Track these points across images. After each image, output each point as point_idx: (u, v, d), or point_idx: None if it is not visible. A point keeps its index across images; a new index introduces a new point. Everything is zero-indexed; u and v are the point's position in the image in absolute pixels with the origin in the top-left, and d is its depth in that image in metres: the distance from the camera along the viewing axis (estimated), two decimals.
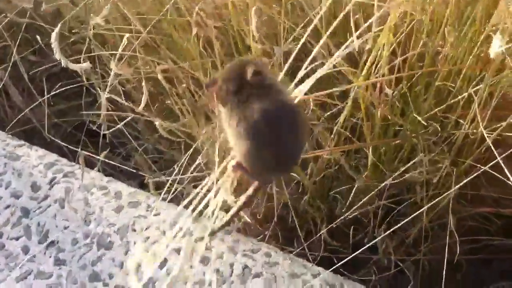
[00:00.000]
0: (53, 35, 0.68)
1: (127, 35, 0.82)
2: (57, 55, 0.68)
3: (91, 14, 1.02)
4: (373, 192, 0.84)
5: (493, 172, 0.71)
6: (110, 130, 0.98)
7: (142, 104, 0.74)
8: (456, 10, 0.92)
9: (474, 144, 0.84)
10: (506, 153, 0.70)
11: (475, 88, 0.84)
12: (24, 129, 1.29)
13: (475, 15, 0.89)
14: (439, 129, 0.85)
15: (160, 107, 1.04)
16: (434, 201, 0.82)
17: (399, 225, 0.77)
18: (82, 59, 0.87)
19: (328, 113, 0.90)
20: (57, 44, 0.68)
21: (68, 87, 1.13)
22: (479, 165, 0.78)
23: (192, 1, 0.90)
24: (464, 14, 0.92)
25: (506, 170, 0.71)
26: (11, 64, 1.22)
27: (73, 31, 1.06)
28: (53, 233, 0.97)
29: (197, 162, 0.89)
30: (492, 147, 0.73)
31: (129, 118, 0.87)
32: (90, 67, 0.75)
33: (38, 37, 1.08)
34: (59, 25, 0.72)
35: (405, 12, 0.83)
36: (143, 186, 1.12)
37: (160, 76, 0.84)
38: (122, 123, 0.99)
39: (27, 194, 1.03)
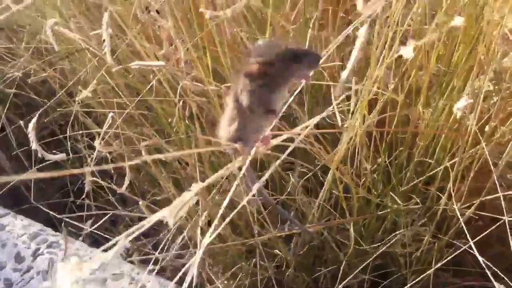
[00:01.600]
0: (30, 125, 0.69)
1: (111, 113, 0.84)
2: (34, 145, 0.69)
3: (79, 86, 1.05)
4: (357, 270, 0.83)
5: (472, 251, 0.72)
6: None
7: (125, 186, 0.75)
8: (436, 80, 0.95)
9: (453, 219, 0.85)
10: (478, 238, 0.71)
11: (452, 161, 0.85)
12: (10, 194, 1.29)
13: (452, 87, 0.92)
14: (420, 202, 0.86)
15: (145, 176, 1.05)
16: (418, 275, 0.83)
17: None
18: (68, 136, 0.88)
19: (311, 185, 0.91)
20: (33, 134, 0.69)
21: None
22: (458, 242, 0.78)
23: (177, 75, 0.92)
24: (441, 85, 0.95)
25: (476, 253, 0.72)
26: None
27: (58, 109, 1.08)
28: None
29: (182, 235, 0.89)
30: (465, 229, 0.74)
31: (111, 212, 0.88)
32: (65, 158, 0.77)
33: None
34: (36, 115, 0.73)
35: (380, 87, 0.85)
36: (129, 253, 1.11)
37: (144, 153, 0.85)
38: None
39: (10, 265, 1.02)
